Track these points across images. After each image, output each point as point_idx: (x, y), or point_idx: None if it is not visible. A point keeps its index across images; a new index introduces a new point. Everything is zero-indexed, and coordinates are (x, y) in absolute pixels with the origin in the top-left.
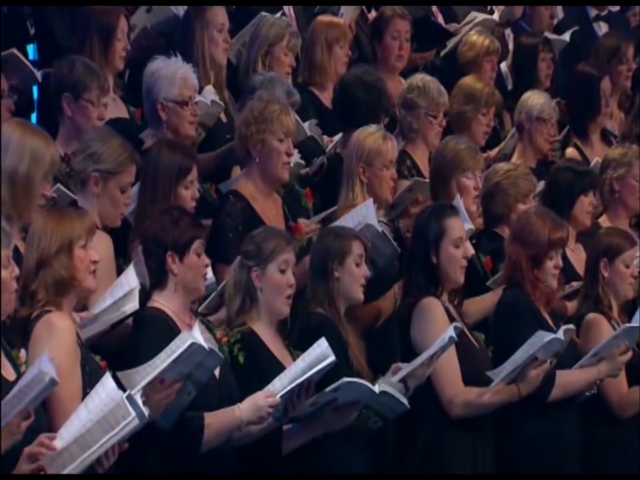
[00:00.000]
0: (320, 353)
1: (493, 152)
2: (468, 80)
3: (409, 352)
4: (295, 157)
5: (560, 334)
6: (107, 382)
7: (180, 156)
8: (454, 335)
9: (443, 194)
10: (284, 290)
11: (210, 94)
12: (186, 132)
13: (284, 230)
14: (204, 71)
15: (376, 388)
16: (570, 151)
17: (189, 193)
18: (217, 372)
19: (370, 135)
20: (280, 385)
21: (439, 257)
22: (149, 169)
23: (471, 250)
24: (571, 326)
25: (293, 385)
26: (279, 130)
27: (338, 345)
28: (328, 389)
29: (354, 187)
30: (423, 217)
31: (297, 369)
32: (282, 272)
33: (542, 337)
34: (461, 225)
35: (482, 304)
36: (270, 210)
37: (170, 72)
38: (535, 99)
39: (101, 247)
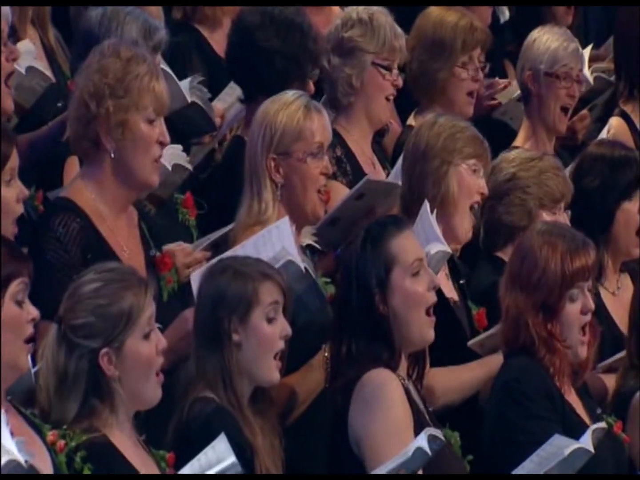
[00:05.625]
0: (214, 455)
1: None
2: (432, 13)
3: (346, 458)
4: (174, 153)
5: (586, 440)
6: None
7: None
8: (426, 447)
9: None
10: (154, 365)
11: (27, 54)
12: None
13: (129, 268)
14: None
15: None
16: (615, 123)
17: (12, 192)
18: None
19: (284, 106)
20: None
21: (389, 300)
22: None
23: (437, 280)
24: (602, 425)
25: None
26: (148, 106)
27: (238, 451)
28: None
29: (261, 191)
30: (353, 249)
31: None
32: (147, 337)
33: (561, 447)
34: (414, 241)
35: (465, 377)
36: (122, 232)
37: None
38: (543, 43)
39: None
